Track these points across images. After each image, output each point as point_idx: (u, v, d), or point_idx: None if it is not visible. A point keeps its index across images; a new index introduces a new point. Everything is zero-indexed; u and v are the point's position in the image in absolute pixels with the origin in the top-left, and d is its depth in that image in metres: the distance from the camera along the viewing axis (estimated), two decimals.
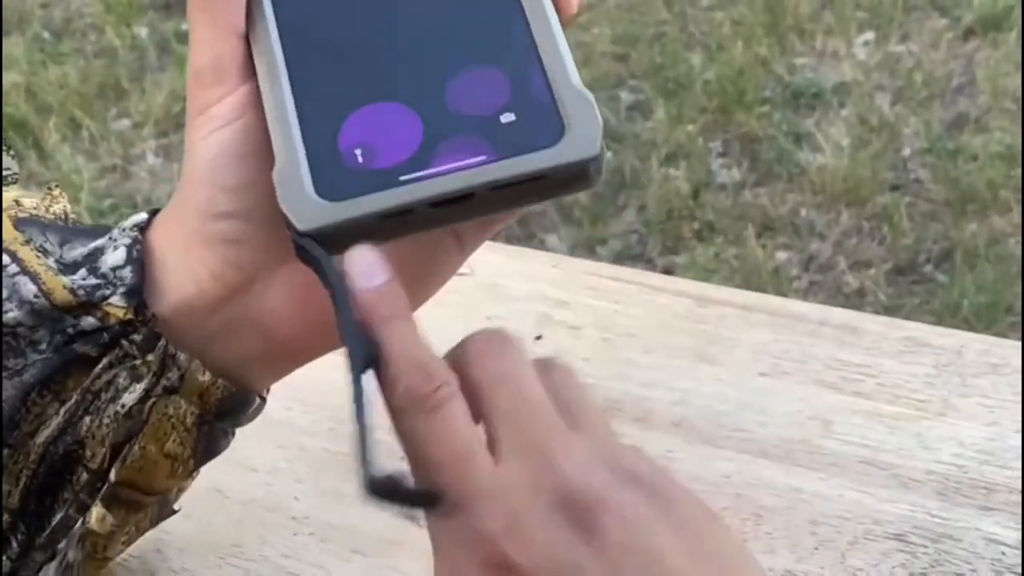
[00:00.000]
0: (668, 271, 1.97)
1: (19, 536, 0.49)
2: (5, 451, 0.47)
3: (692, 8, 2.55)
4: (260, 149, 0.42)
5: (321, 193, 0.40)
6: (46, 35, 2.58)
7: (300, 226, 0.39)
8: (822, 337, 0.70)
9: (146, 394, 0.47)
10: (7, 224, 0.48)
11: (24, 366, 0.46)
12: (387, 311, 0.38)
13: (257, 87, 0.43)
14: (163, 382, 0.47)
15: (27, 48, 2.52)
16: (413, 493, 0.37)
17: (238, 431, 0.52)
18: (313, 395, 0.69)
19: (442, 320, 0.74)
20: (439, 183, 0.39)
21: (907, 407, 0.65)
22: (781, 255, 1.98)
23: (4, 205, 0.49)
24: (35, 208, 0.50)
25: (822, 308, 0.73)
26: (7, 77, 2.42)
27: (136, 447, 0.48)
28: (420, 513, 0.37)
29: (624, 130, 2.22)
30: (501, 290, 0.75)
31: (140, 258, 0.46)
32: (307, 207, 0.40)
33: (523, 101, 0.41)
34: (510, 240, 1.63)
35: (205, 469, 0.66)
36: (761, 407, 0.67)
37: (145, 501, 0.51)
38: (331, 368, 0.70)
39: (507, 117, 0.41)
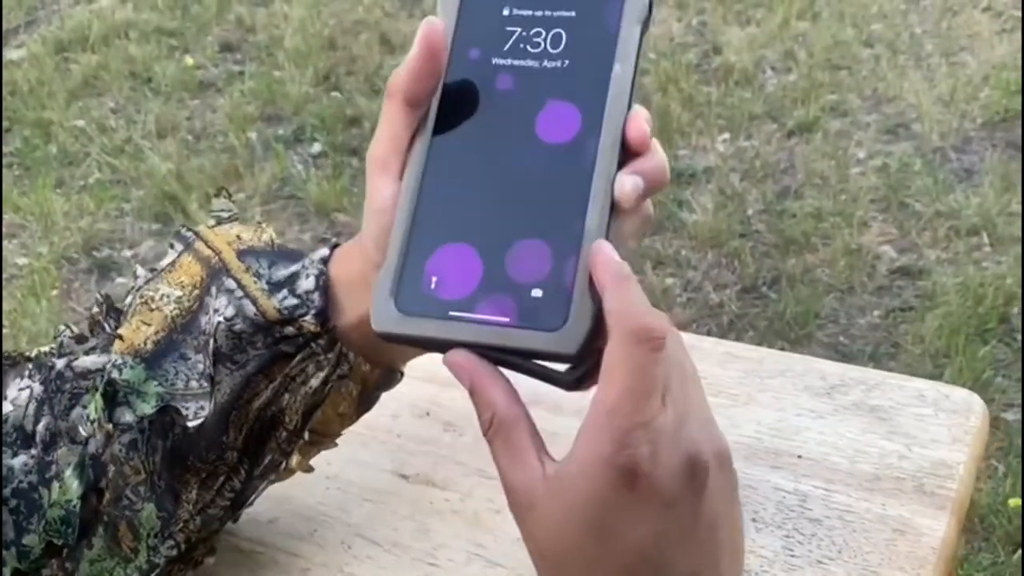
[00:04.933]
0: None
1: (244, 467, 0.49)
2: (233, 412, 0.46)
3: None
4: None
5: (397, 303, 0.36)
6: (189, 137, 2.58)
7: (373, 325, 0.36)
8: None
9: (326, 379, 0.46)
10: (233, 256, 0.47)
11: (247, 360, 0.46)
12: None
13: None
14: (338, 371, 0.46)
15: (177, 146, 2.52)
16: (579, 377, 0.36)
17: None
18: None
19: None
20: (471, 331, 0.35)
21: (725, 399, 0.65)
22: (668, 280, 1.98)
23: (228, 239, 0.48)
24: (251, 240, 0.48)
25: None
26: (165, 165, 2.42)
27: (319, 412, 0.48)
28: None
29: None
30: None
31: (326, 287, 0.45)
32: (383, 312, 0.36)
33: (553, 285, 0.35)
34: None
35: None
36: None
37: (325, 442, 0.51)
38: None
39: (536, 292, 0.35)
